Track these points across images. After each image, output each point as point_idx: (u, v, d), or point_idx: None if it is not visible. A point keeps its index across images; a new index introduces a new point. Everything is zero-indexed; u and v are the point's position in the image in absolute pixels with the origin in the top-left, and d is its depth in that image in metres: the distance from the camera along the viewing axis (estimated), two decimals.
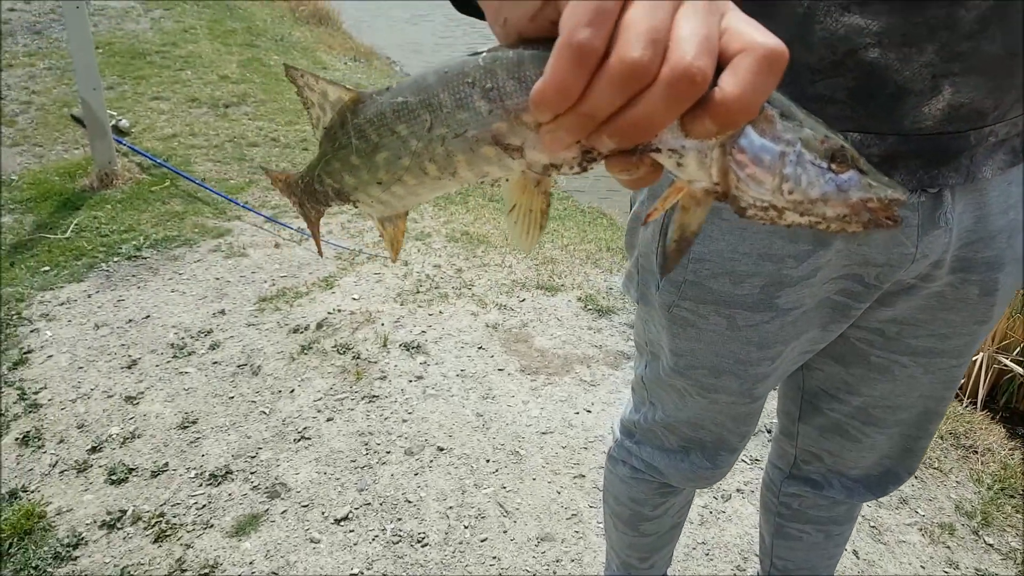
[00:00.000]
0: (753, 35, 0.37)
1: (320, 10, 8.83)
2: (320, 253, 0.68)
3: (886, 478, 1.15)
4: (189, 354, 2.42)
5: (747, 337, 0.92)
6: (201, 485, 1.90)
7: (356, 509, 1.84)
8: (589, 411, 2.23)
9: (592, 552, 1.76)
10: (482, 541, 1.78)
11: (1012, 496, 2.07)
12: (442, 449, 2.04)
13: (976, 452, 2.25)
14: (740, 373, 0.96)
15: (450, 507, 1.87)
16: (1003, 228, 0.85)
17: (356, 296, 2.80)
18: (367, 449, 2.03)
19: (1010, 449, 2.27)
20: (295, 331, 2.56)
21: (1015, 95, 0.76)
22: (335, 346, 2.48)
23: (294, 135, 4.55)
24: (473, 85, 0.42)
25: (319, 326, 2.59)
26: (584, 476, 1.98)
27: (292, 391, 2.26)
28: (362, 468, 1.97)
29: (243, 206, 3.49)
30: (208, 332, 2.54)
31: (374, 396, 2.23)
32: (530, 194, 0.47)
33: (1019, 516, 2.00)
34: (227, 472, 1.94)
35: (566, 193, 5.11)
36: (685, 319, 0.94)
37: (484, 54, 0.43)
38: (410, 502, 1.87)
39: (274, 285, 2.86)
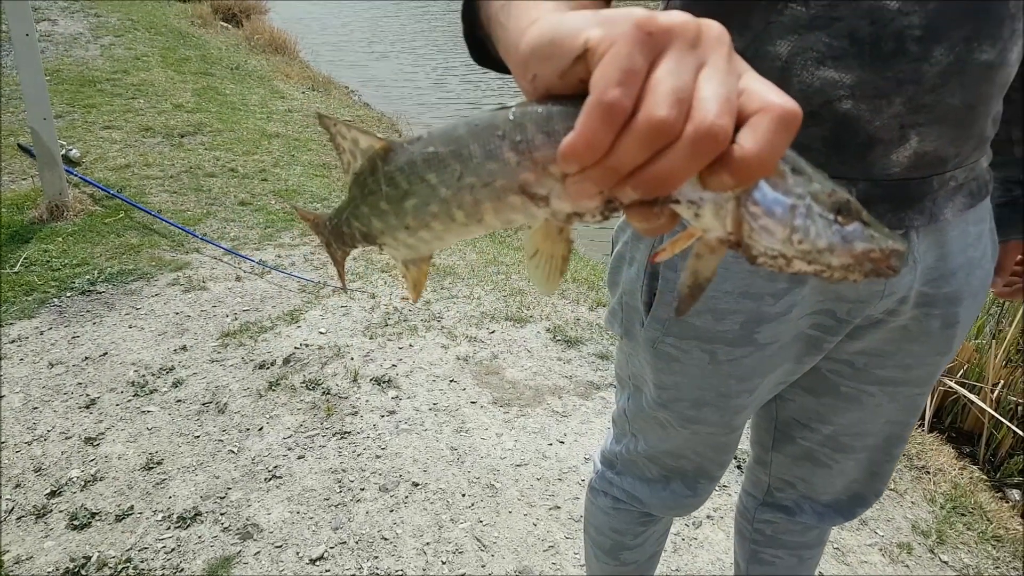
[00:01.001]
0: (770, 96, 0.40)
1: (276, 39, 8.79)
2: (344, 288, 0.71)
3: (854, 501, 1.20)
4: (151, 392, 2.36)
5: (728, 371, 0.96)
6: (169, 528, 1.85)
7: (331, 548, 1.81)
8: (562, 442, 2.24)
9: None
10: None
11: (963, 514, 2.15)
12: (417, 484, 2.03)
13: (928, 472, 2.33)
14: (721, 405, 0.99)
15: (427, 543, 1.85)
16: (962, 265, 0.92)
17: (323, 330, 2.77)
18: (341, 487, 2.00)
19: (959, 468, 2.36)
20: (261, 367, 2.52)
21: (973, 143, 0.83)
22: (304, 382, 2.45)
23: (252, 165, 4.50)
24: (503, 138, 0.44)
25: (286, 361, 2.56)
26: (560, 507, 1.99)
27: (261, 429, 2.22)
28: (336, 506, 1.94)
29: (201, 238, 3.44)
30: (170, 369, 2.48)
31: (346, 432, 2.21)
32: (553, 241, 0.50)
33: (971, 533, 2.08)
34: (196, 514, 1.89)
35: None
36: (669, 354, 0.97)
37: (514, 108, 0.45)
38: (386, 539, 1.85)
39: (237, 319, 2.81)
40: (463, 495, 2.01)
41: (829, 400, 1.07)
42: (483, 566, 1.80)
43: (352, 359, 2.59)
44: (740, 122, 0.40)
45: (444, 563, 1.80)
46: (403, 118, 6.97)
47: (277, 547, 1.81)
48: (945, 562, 1.97)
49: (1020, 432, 2.55)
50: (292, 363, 2.55)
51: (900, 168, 0.80)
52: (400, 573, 1.76)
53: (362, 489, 1.99)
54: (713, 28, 0.41)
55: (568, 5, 0.49)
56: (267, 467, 2.06)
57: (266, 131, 5.27)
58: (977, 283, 0.95)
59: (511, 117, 0.45)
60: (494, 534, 1.89)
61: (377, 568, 1.76)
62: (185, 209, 3.79)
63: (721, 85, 0.39)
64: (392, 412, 2.32)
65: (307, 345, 2.66)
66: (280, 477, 2.03)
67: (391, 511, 1.93)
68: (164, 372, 2.46)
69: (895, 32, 0.73)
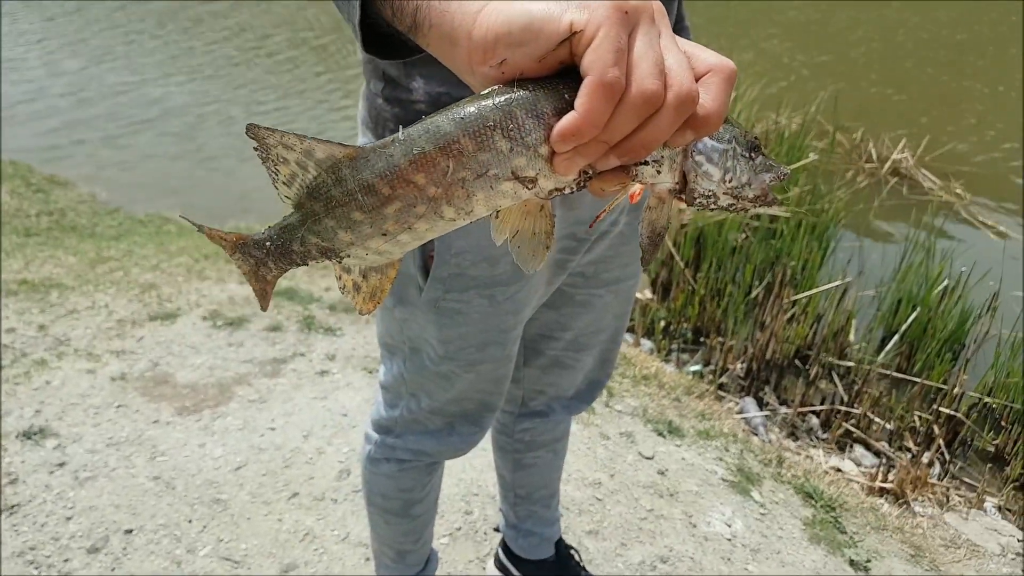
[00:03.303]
0: (710, 58, 0.47)
1: None
2: (264, 309, 0.61)
3: (593, 387, 1.42)
4: None
5: (506, 308, 1.06)
6: None
7: None
8: (273, 429, 2.14)
9: (339, 562, 1.76)
10: None
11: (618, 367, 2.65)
12: (131, 531, 1.77)
13: None
14: (502, 340, 1.09)
15: None
16: None
17: None
18: (37, 567, 1.65)
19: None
20: None
21: None
22: None
23: None
24: (494, 128, 0.46)
25: None
26: (298, 494, 1.93)
27: None
28: None
29: None
30: None
31: (13, 506, 1.80)
32: (534, 218, 0.52)
33: (627, 380, 2.58)
34: None
35: (109, 209, 4.54)
36: (452, 308, 1.03)
37: (495, 95, 0.46)
38: None
39: None
40: (190, 521, 1.82)
41: (568, 310, 1.23)
42: None
43: None
44: None
45: None
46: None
47: None
48: (619, 410, 2.42)
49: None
50: None
51: None
52: None
53: (66, 560, 1.68)
54: (657, 2, 0.46)
55: None
56: None
57: None
58: None
59: (497, 104, 0.45)
60: (242, 547, 1.77)
61: None
62: None
63: (679, 53, 0.45)
64: (62, 464, 1.95)
65: None
66: None
67: (113, 570, 1.67)
68: None
69: None
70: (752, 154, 0.52)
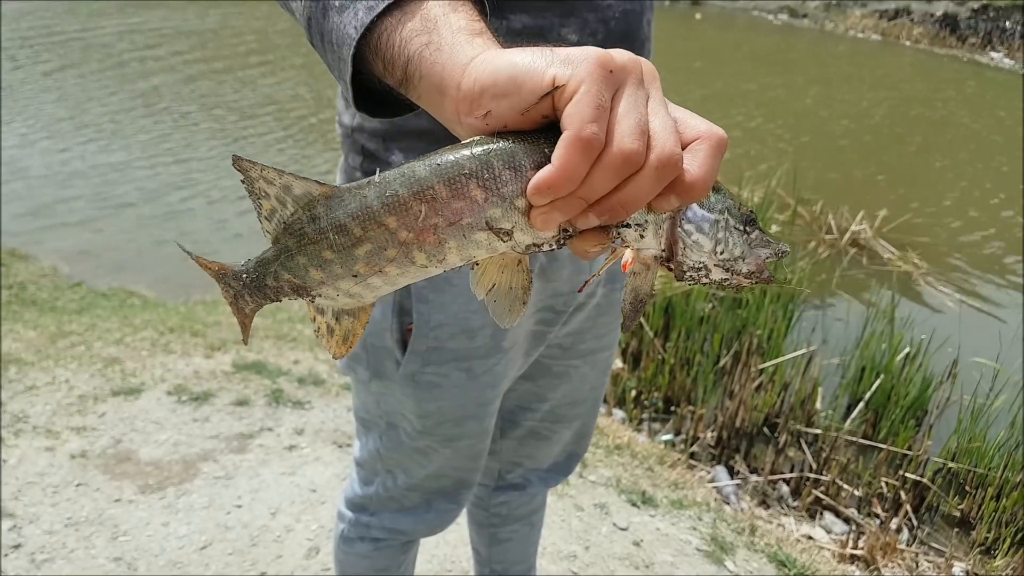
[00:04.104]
0: (700, 124, 0.47)
1: None
2: (245, 342, 0.61)
3: (570, 459, 1.41)
4: None
5: (484, 381, 1.06)
6: None
7: None
8: (239, 506, 2.09)
9: None
10: None
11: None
12: None
13: None
14: (480, 414, 1.09)
15: None
16: None
17: None
18: None
19: None
20: None
21: None
22: None
23: None
24: (470, 176, 0.45)
25: None
26: (266, 573, 1.87)
27: None
28: None
29: None
30: None
31: None
32: (511, 272, 0.51)
33: (600, 450, 2.57)
34: None
35: (71, 283, 4.48)
36: (430, 382, 1.03)
37: (474, 145, 0.46)
38: None
39: None
40: None
41: (545, 381, 1.23)
42: None
43: None
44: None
45: None
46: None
47: None
48: (593, 481, 2.40)
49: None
50: None
51: None
52: None
53: None
54: (649, 65, 0.47)
55: (481, 36, 0.50)
56: None
57: None
58: None
59: (475, 153, 0.45)
60: None
61: None
62: None
63: (667, 117, 0.46)
64: (18, 546, 1.87)
65: None
66: None
67: None
68: None
69: None
70: (747, 228, 0.51)
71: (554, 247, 0.49)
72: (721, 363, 3.41)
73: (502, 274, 0.51)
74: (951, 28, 15.10)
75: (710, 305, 3.73)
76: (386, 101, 0.58)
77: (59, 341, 3.12)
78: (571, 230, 0.48)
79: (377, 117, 0.59)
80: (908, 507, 2.68)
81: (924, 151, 8.17)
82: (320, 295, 0.51)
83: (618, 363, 3.47)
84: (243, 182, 0.48)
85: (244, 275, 0.53)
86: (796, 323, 3.82)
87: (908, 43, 15.09)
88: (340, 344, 0.55)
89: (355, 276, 0.49)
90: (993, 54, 14.03)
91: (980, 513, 2.68)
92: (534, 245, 0.48)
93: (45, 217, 5.43)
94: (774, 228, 4.50)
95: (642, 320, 3.52)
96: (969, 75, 12.45)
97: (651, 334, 3.47)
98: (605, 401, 3.15)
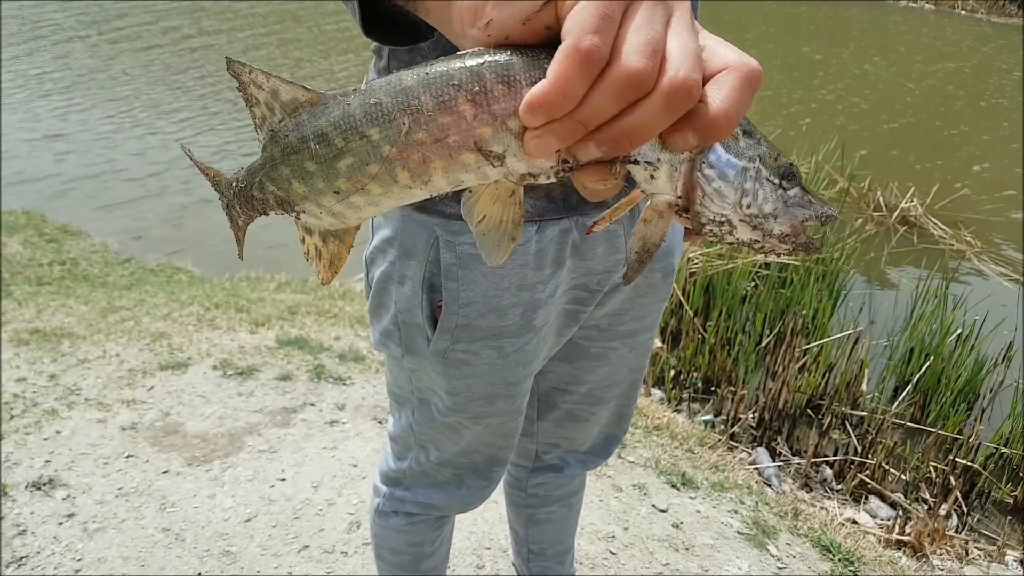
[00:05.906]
0: (730, 54, 0.41)
1: None
2: (241, 257, 0.59)
3: (609, 441, 1.40)
4: None
5: (515, 360, 1.04)
6: None
7: None
8: (283, 479, 2.13)
9: None
10: None
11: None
12: None
13: None
14: (511, 393, 1.08)
15: None
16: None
17: None
18: None
19: None
20: None
21: None
22: None
23: None
24: (459, 88, 0.41)
25: None
26: (308, 546, 1.91)
27: None
28: None
29: None
30: None
31: (22, 558, 1.78)
32: (503, 204, 0.46)
33: (638, 431, 2.56)
34: None
35: (121, 259, 4.58)
36: (460, 360, 1.02)
37: (469, 56, 0.41)
38: None
39: None
40: (199, 574, 1.79)
41: (582, 363, 1.22)
42: None
43: None
44: (704, 80, 0.40)
45: None
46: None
47: None
48: (632, 462, 2.39)
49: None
50: None
51: None
52: None
53: None
54: None
55: None
56: None
57: None
58: (680, 232, 1.16)
59: (467, 65, 0.41)
60: None
61: None
62: None
63: (690, 40, 0.39)
64: (71, 515, 1.93)
65: None
66: None
67: None
68: None
69: None
70: (785, 182, 0.45)
71: (552, 179, 0.44)
72: (764, 343, 3.35)
73: (494, 205, 0.46)
74: None
75: (752, 284, 3.66)
76: (399, 26, 0.54)
77: (109, 316, 3.20)
78: (572, 161, 0.42)
79: (388, 45, 0.56)
80: (958, 493, 2.62)
81: (977, 125, 7.86)
82: (304, 211, 0.48)
83: (657, 342, 3.44)
84: (238, 89, 0.46)
85: (234, 183, 0.51)
86: (842, 303, 3.73)
87: (963, 12, 14.50)
88: (327, 268, 0.52)
89: (337, 192, 0.45)
90: None
91: None
92: (530, 175, 0.43)
93: (97, 197, 5.56)
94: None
95: (681, 298, 3.47)
96: None
97: (691, 313, 3.42)
98: (644, 381, 3.13)
